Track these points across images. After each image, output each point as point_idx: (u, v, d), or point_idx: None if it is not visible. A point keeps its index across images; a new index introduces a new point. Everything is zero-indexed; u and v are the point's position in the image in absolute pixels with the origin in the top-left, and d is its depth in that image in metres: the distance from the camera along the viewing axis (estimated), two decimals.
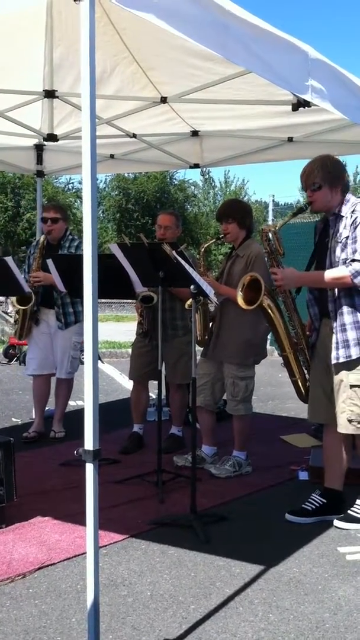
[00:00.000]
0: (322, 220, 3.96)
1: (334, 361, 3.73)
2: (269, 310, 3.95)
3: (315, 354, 3.95)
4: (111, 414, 6.39)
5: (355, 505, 3.84)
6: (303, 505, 3.90)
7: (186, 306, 4.71)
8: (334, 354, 3.72)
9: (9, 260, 4.68)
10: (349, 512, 3.82)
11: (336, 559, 3.40)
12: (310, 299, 3.94)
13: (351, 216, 3.68)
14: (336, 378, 3.76)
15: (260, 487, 4.48)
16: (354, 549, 3.51)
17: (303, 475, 4.64)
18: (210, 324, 4.85)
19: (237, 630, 2.72)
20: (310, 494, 3.95)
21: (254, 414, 4.91)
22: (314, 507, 3.87)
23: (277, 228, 4.01)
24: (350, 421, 3.70)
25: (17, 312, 5.61)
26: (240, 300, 4.00)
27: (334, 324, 3.73)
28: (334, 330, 3.72)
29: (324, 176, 3.74)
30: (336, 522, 3.79)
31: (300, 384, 4.01)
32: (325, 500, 3.87)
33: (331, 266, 3.71)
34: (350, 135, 5.36)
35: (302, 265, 3.97)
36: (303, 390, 4.02)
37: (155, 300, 4.85)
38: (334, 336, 3.73)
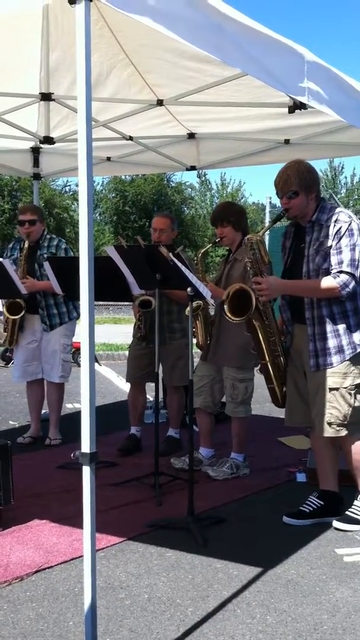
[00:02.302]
0: (293, 225, 3.94)
1: (312, 369, 3.74)
2: (254, 324, 3.89)
3: (289, 359, 3.95)
4: (108, 416, 6.39)
5: (353, 506, 3.84)
6: (301, 508, 3.90)
7: (186, 313, 4.70)
8: (312, 361, 3.73)
9: (6, 262, 4.68)
10: (347, 512, 3.82)
11: (334, 561, 3.40)
12: (283, 304, 3.94)
13: (334, 225, 3.66)
14: (314, 382, 3.76)
15: (257, 489, 4.48)
16: (352, 551, 3.51)
17: (301, 477, 4.64)
18: (211, 327, 4.83)
19: (235, 633, 2.71)
20: (307, 496, 3.94)
21: (251, 416, 4.91)
22: (311, 509, 3.87)
23: (260, 236, 3.93)
24: (329, 424, 3.71)
25: (7, 319, 5.49)
26: (227, 312, 3.93)
27: (311, 332, 3.73)
28: (311, 338, 3.73)
29: (300, 183, 3.72)
30: (335, 523, 3.79)
31: (277, 390, 3.99)
32: (322, 502, 3.87)
33: (309, 274, 3.71)
34: (347, 137, 5.37)
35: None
36: (279, 397, 4.01)
37: (154, 305, 4.85)
38: (310, 344, 3.73)
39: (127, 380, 5.51)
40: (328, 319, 3.69)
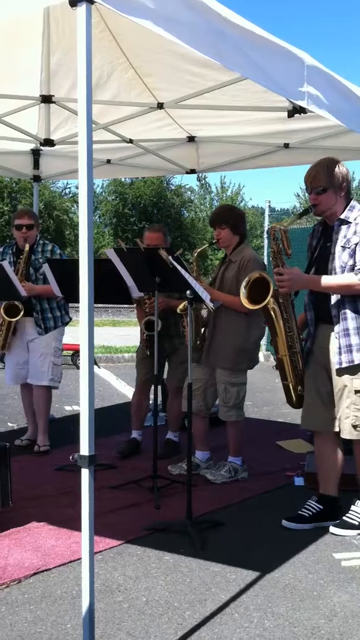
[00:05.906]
0: (322, 223, 3.92)
1: (336, 366, 3.71)
2: (272, 312, 3.83)
3: (311, 360, 3.90)
4: (107, 419, 6.39)
5: (350, 512, 3.83)
6: (300, 512, 3.89)
7: (178, 310, 4.69)
8: (336, 359, 3.71)
9: (5, 264, 4.68)
10: (344, 518, 3.82)
11: (332, 565, 3.40)
12: (308, 303, 3.90)
13: None
14: (339, 383, 3.74)
15: (256, 493, 4.48)
16: (350, 555, 3.51)
17: (299, 481, 4.64)
18: (203, 329, 4.83)
19: (233, 637, 2.71)
20: (305, 500, 3.94)
21: (249, 420, 4.90)
22: (310, 513, 3.86)
23: (286, 226, 3.85)
24: (355, 427, 3.69)
25: (2, 323, 5.39)
26: (243, 299, 3.85)
27: (336, 329, 3.71)
28: (337, 336, 3.71)
29: (329, 179, 3.71)
30: (332, 529, 3.79)
31: (291, 388, 3.93)
32: (321, 507, 3.87)
33: (334, 271, 3.70)
34: (346, 141, 5.38)
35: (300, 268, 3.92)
36: (294, 395, 3.95)
37: (160, 327, 4.75)
38: (335, 341, 3.71)
39: (136, 384, 5.49)
40: (352, 316, 3.67)
